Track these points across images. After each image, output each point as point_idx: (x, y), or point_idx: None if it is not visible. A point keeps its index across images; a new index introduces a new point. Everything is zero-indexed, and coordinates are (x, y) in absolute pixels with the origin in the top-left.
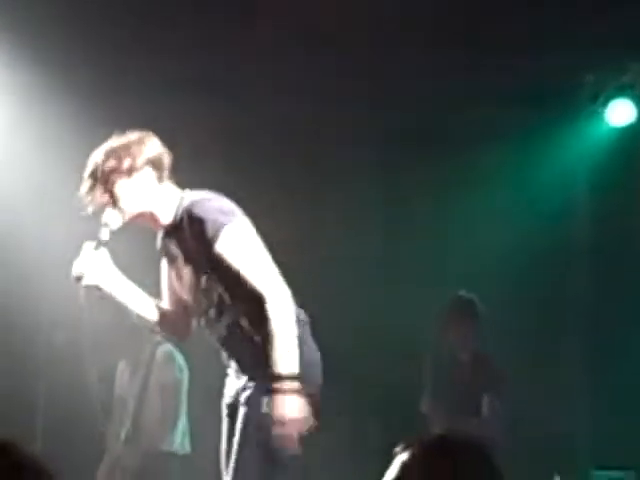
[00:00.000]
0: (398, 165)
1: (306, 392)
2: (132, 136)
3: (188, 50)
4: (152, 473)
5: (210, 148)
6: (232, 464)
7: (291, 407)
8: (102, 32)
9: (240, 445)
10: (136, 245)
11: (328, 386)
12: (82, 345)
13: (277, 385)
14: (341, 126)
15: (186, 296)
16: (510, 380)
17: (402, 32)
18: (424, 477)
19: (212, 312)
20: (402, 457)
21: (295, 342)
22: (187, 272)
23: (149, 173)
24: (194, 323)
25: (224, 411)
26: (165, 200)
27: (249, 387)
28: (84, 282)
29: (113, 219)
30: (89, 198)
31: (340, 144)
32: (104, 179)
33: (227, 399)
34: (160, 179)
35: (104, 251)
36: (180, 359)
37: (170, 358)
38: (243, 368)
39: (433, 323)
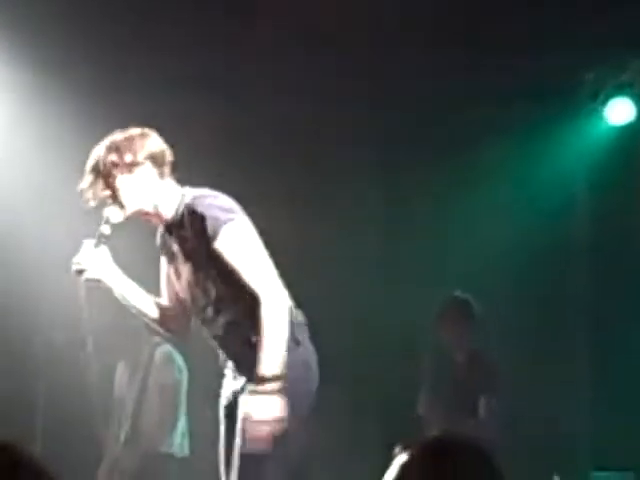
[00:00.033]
0: (398, 165)
1: (303, 392)
2: (134, 131)
3: (188, 49)
4: (150, 475)
5: (210, 147)
6: (234, 467)
7: (269, 408)
8: (102, 30)
9: (243, 448)
10: (136, 243)
11: (328, 386)
12: (83, 345)
13: (258, 386)
14: (341, 126)
15: (184, 294)
16: (506, 377)
17: (402, 32)
18: (423, 478)
19: (209, 310)
20: (401, 458)
21: (283, 345)
22: (186, 269)
23: (150, 169)
24: (193, 322)
25: (222, 412)
26: (166, 196)
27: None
28: (85, 276)
29: (114, 214)
30: (91, 192)
31: (340, 144)
32: (105, 173)
33: (225, 400)
34: (161, 175)
35: (104, 247)
36: (179, 360)
37: (169, 359)
38: (240, 369)
39: (430, 323)
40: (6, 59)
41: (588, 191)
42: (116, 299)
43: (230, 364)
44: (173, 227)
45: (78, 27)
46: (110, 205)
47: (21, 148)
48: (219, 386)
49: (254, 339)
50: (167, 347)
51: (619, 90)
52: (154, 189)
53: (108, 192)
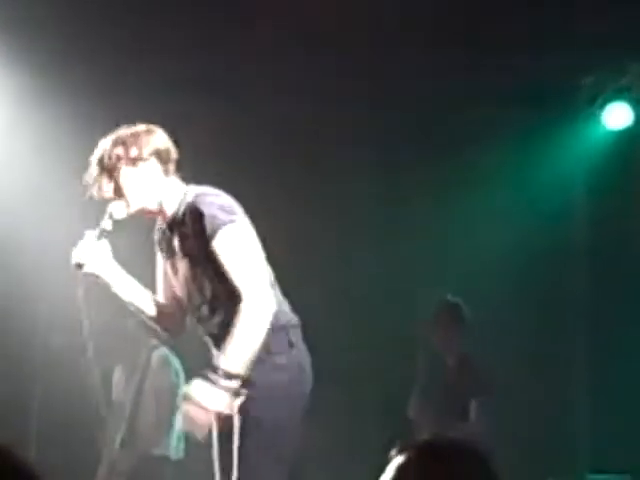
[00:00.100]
0: (398, 165)
1: (297, 394)
2: (140, 127)
3: (188, 50)
4: (146, 477)
5: (210, 148)
6: (233, 469)
7: (216, 400)
8: (101, 32)
9: (241, 451)
10: (135, 241)
11: (327, 386)
12: (83, 350)
13: (213, 376)
14: (341, 126)
15: (181, 291)
16: (496, 381)
17: (402, 32)
18: None
19: (205, 309)
20: (398, 460)
21: (254, 347)
22: (183, 265)
23: (155, 165)
24: (188, 320)
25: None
26: (170, 193)
27: (245, 394)
28: (84, 270)
29: (118, 209)
30: (96, 186)
31: (340, 144)
32: (110, 167)
33: None
34: (166, 172)
35: (105, 242)
36: (176, 363)
37: (166, 362)
38: None
39: (423, 325)
40: (4, 62)
41: (586, 195)
42: (114, 299)
43: None
44: (174, 224)
45: (76, 30)
46: (114, 200)
47: (19, 151)
48: None
49: None
50: (164, 350)
51: (617, 94)
52: (158, 186)
53: (112, 186)
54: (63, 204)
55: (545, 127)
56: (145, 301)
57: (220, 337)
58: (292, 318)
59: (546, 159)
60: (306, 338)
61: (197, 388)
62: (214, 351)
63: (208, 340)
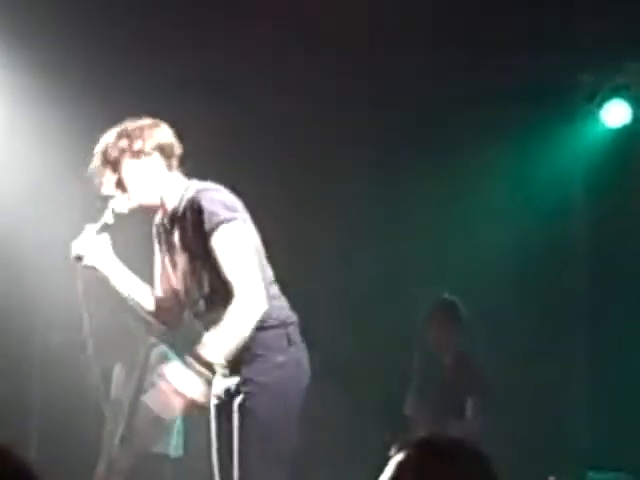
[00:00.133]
0: (398, 165)
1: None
2: (146, 121)
3: (188, 50)
4: (145, 475)
5: (210, 148)
6: (234, 466)
7: (192, 386)
8: (101, 32)
9: (240, 448)
10: (134, 235)
11: (328, 386)
12: (83, 348)
13: (188, 359)
14: (341, 126)
15: (179, 285)
16: (493, 380)
17: (402, 32)
18: (419, 478)
19: (202, 304)
20: (398, 458)
21: (234, 343)
22: (183, 260)
23: (158, 159)
24: (186, 315)
25: (212, 412)
26: (171, 188)
27: (245, 392)
28: (83, 262)
29: (120, 203)
30: (99, 177)
31: (340, 144)
32: (113, 159)
33: (214, 400)
34: (169, 167)
35: (106, 235)
36: (176, 361)
37: (165, 360)
38: (232, 366)
39: (419, 324)
40: (4, 61)
41: (585, 193)
42: (113, 295)
43: None
44: (175, 218)
45: (76, 29)
46: (115, 196)
47: (19, 150)
48: None
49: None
50: (163, 348)
51: (615, 92)
52: (161, 180)
53: (115, 178)
54: (63, 203)
55: (544, 125)
56: (143, 295)
57: None
58: (291, 315)
59: (545, 157)
60: (306, 338)
61: (172, 369)
62: None
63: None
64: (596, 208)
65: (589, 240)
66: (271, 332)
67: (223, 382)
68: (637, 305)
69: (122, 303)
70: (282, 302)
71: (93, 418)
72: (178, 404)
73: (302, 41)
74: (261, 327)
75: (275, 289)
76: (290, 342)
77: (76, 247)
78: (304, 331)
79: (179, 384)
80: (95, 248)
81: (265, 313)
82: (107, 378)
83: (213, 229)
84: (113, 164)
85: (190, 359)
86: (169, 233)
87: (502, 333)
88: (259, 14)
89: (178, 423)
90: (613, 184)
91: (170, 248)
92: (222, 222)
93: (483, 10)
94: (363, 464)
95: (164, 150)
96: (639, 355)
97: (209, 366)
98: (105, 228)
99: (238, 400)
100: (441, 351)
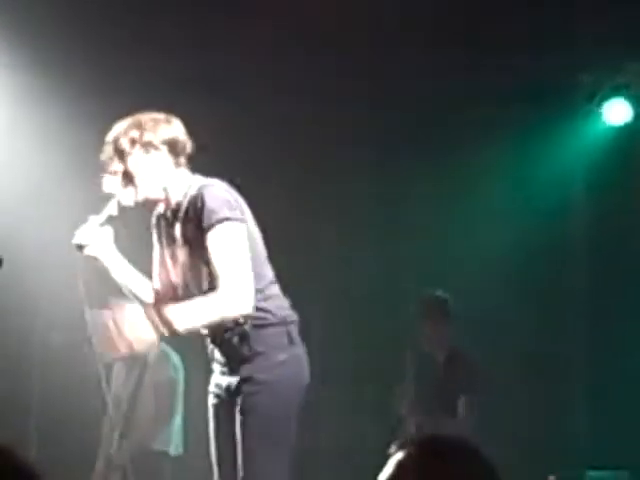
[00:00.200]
0: (398, 165)
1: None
2: (159, 115)
3: (188, 50)
4: (144, 472)
5: (210, 148)
6: (238, 463)
7: (139, 331)
8: (102, 32)
9: (243, 447)
10: (135, 228)
11: (328, 386)
12: (87, 344)
13: (152, 312)
14: (341, 126)
15: (178, 279)
16: (487, 377)
17: (402, 32)
18: (419, 477)
19: None
20: (397, 456)
21: (201, 324)
22: (183, 253)
23: (167, 155)
24: None
25: (210, 410)
26: (177, 183)
27: (246, 390)
28: (84, 252)
29: (126, 195)
30: (108, 167)
31: (340, 144)
32: (122, 149)
33: (213, 399)
34: (177, 165)
35: (109, 227)
36: (175, 359)
37: (165, 357)
38: (232, 364)
39: (412, 322)
40: (6, 61)
41: (586, 191)
42: (113, 290)
43: (218, 357)
44: (178, 211)
45: (77, 29)
46: (122, 187)
47: (20, 150)
48: None
49: (247, 330)
50: (163, 345)
51: (616, 91)
52: (167, 176)
53: (122, 167)
54: (64, 203)
55: (544, 125)
56: (142, 288)
57: (215, 328)
58: (291, 314)
59: (545, 157)
60: (306, 338)
61: (129, 311)
62: (209, 343)
63: (203, 332)
64: (597, 206)
65: (589, 239)
66: (272, 330)
67: (223, 380)
68: (637, 305)
69: (121, 298)
70: (283, 301)
71: (93, 417)
72: (118, 343)
73: (302, 41)
74: (262, 325)
75: (276, 288)
76: (291, 340)
77: (79, 236)
78: (304, 331)
79: (129, 328)
80: (98, 238)
81: (265, 311)
82: (107, 375)
83: (210, 226)
84: (121, 153)
85: (152, 311)
86: (171, 226)
87: (502, 333)
88: (259, 14)
89: (178, 422)
90: (614, 182)
91: (171, 241)
92: (220, 220)
93: (483, 10)
94: (363, 464)
95: (173, 147)
96: (639, 355)
97: (169, 325)
98: (109, 220)
99: (239, 399)
100: (434, 349)
